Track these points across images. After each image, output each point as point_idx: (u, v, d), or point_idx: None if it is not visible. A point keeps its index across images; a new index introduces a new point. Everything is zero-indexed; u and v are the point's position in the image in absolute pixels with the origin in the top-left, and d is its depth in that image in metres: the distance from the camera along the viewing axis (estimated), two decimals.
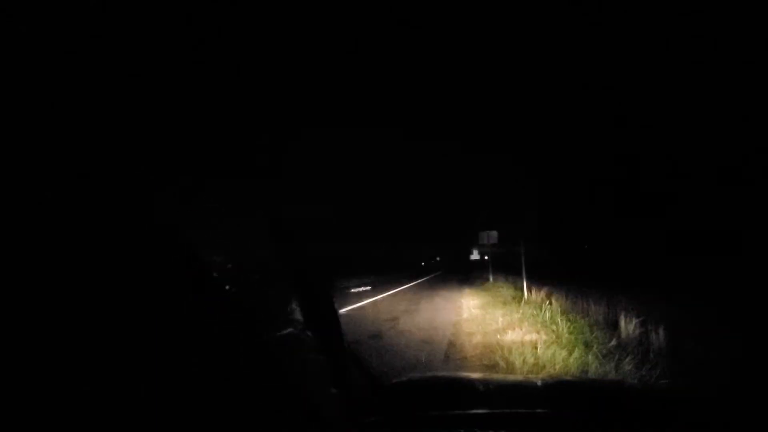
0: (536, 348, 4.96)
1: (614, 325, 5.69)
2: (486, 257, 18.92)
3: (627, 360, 4.04)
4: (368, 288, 14.88)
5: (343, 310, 9.89)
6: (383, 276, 17.45)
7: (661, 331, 4.55)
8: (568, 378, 3.34)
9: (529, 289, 10.62)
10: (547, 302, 8.18)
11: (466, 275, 21.16)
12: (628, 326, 5.21)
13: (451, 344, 5.97)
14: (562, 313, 7.10)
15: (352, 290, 14.23)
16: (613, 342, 4.86)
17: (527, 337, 5.74)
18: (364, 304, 11.38)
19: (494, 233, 17.72)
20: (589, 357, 4.44)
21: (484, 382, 1.76)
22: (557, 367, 4.40)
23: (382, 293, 13.85)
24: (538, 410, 1.21)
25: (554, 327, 6.11)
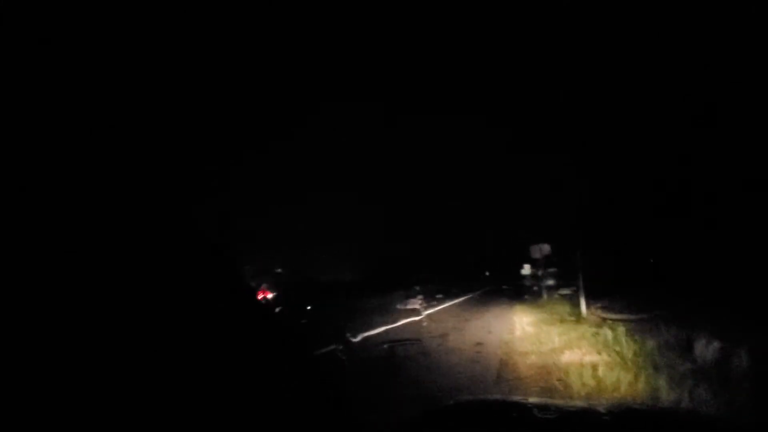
0: (597, 370, 4.64)
1: (688, 347, 5.18)
2: (539, 272, 18.03)
3: (703, 387, 3.65)
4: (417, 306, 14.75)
5: (391, 326, 9.90)
6: (425, 288, 17.19)
7: (743, 355, 4.08)
8: (636, 405, 3.08)
9: (588, 306, 9.96)
10: (609, 320, 7.64)
11: (518, 290, 20.28)
12: (705, 349, 4.72)
13: (504, 363, 5.75)
14: (626, 332, 6.58)
15: (398, 306, 14.21)
16: (687, 366, 4.42)
17: (587, 358, 5.39)
18: (412, 320, 11.32)
19: (546, 246, 16.89)
20: (659, 382, 4.06)
21: (542, 407, 1.66)
22: (622, 391, 4.08)
23: (428, 309, 13.70)
24: None
25: (617, 348, 5.68)
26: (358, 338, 8.06)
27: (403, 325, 10.38)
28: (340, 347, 5.76)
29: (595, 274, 11.99)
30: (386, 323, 10.29)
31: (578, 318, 9.42)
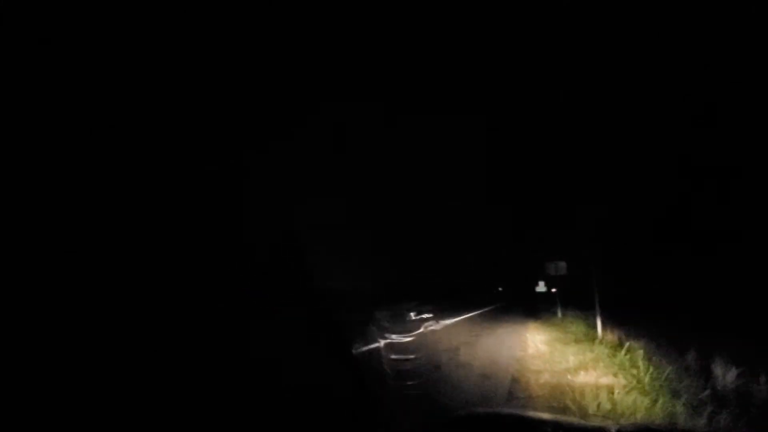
0: (613, 393, 4.54)
1: (707, 372, 5.04)
2: (553, 290, 17.74)
3: (723, 413, 3.55)
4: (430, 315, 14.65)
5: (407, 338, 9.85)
6: (435, 303, 16.92)
7: (764, 382, 3.95)
8: (654, 426, 3.01)
9: (604, 326, 9.73)
10: (626, 342, 7.45)
11: (531, 308, 19.94)
12: (725, 374, 4.59)
13: (515, 381, 5.67)
14: (644, 355, 6.41)
15: (412, 316, 14.15)
16: (707, 392, 4.29)
17: (602, 380, 5.27)
18: (423, 332, 11.26)
19: (563, 264, 16.64)
20: (677, 407, 3.96)
21: (554, 424, 1.67)
22: (638, 415, 3.99)
23: (441, 321, 13.60)
24: None
25: (634, 371, 5.54)
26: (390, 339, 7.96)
27: (419, 334, 10.32)
28: (381, 346, 5.65)
29: (612, 294, 11.71)
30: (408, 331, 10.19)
31: (594, 338, 9.21)
